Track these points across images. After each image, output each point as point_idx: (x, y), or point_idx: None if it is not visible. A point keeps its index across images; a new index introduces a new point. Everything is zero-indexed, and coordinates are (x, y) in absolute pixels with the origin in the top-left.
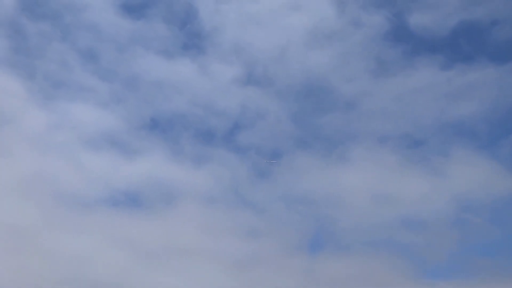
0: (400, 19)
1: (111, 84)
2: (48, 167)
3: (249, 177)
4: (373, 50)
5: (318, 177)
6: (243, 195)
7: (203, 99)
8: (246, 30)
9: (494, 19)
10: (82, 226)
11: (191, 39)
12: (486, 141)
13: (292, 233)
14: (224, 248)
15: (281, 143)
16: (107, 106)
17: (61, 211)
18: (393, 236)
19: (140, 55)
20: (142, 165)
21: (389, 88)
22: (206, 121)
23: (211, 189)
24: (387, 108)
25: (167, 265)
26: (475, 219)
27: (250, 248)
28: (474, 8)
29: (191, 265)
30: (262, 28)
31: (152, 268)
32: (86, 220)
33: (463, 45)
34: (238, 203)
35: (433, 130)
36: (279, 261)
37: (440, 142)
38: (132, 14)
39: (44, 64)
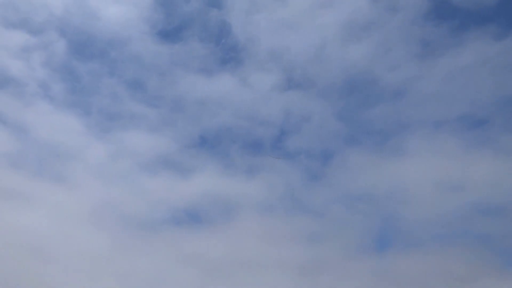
0: None
1: (158, 108)
2: (112, 194)
3: (303, 182)
4: (415, 32)
5: (374, 173)
6: (299, 200)
7: (247, 110)
8: (280, 35)
9: None
10: (149, 247)
11: (228, 53)
12: None
13: (355, 234)
14: (287, 255)
15: (331, 143)
16: (158, 130)
17: (129, 235)
18: (467, 226)
19: (181, 76)
20: (197, 182)
21: (438, 70)
22: (252, 132)
23: (267, 198)
24: (439, 90)
25: (232, 276)
26: None
27: (314, 252)
28: None
29: (256, 275)
30: (295, 31)
31: (219, 281)
32: (152, 241)
33: None
34: (295, 209)
35: (494, 106)
36: (345, 263)
37: (504, 118)
38: (169, 39)
39: (97, 99)
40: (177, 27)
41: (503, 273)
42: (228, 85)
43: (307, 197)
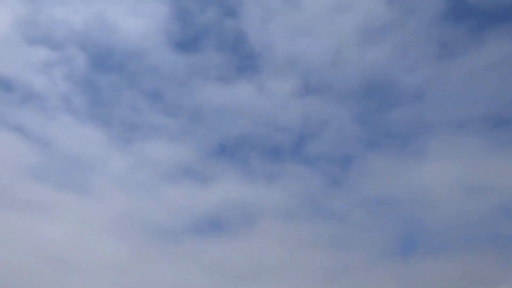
0: None
1: (177, 118)
2: (134, 204)
3: (324, 187)
4: (433, 34)
5: (396, 176)
6: (320, 206)
7: (265, 117)
8: (296, 41)
9: None
10: (171, 256)
11: (245, 61)
12: None
13: (378, 238)
14: (310, 262)
15: (350, 147)
16: (177, 139)
17: (150, 244)
18: (496, 229)
19: (199, 86)
20: (217, 190)
21: (458, 70)
22: (271, 138)
23: (288, 204)
24: (459, 91)
25: (255, 283)
26: None
27: (336, 258)
28: None
29: (279, 281)
30: (311, 37)
31: None
32: (174, 250)
33: None
34: (317, 215)
35: None
36: (369, 268)
37: None
38: (186, 49)
39: (118, 111)
40: (193, 37)
41: None
42: (246, 92)
43: (328, 202)
